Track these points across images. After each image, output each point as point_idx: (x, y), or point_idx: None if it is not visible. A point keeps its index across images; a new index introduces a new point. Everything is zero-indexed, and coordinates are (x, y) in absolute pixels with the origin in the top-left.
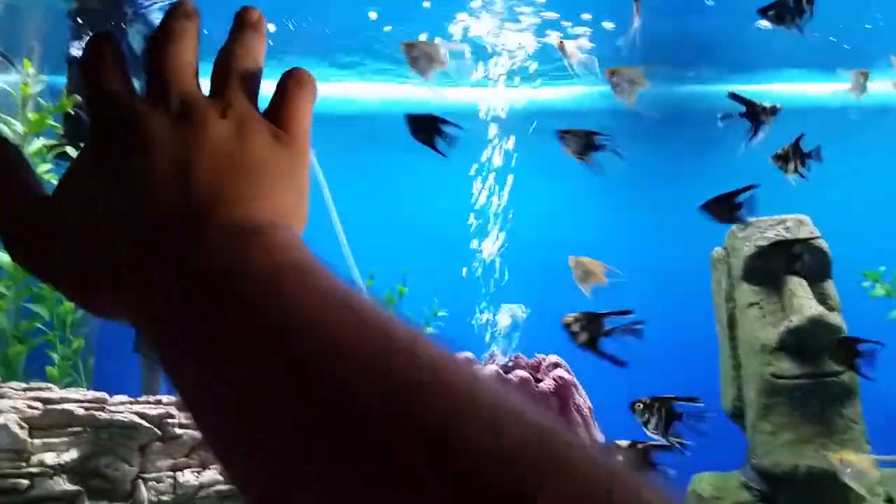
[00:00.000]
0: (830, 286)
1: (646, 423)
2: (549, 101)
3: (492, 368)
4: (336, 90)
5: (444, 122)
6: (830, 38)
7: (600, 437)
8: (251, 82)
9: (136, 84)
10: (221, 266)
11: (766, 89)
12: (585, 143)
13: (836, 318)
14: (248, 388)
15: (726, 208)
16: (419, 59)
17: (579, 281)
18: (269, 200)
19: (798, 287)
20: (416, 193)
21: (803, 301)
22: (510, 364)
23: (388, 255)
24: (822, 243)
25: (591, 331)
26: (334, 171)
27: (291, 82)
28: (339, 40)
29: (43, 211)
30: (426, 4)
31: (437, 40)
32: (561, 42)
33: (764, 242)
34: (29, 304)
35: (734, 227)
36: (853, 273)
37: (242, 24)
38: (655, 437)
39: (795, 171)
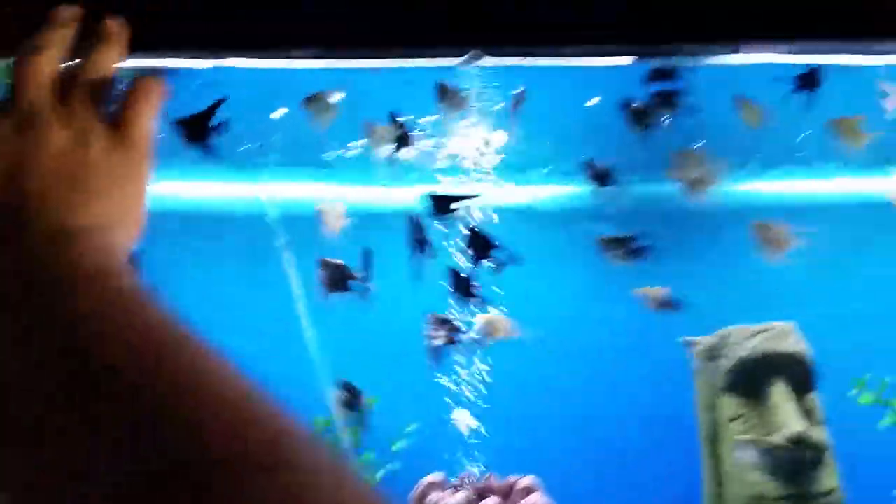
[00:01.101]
0: (815, 398)
1: None
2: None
3: (462, 496)
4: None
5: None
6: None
7: None
8: (99, 92)
9: None
10: (31, 271)
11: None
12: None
13: (819, 434)
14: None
15: None
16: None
17: None
18: (96, 206)
19: (781, 401)
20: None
21: (786, 417)
22: (482, 486)
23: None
24: (807, 354)
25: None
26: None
27: (133, 91)
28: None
29: None
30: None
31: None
32: None
33: (745, 353)
34: None
35: (715, 333)
36: (842, 380)
37: (95, 34)
38: None
39: None
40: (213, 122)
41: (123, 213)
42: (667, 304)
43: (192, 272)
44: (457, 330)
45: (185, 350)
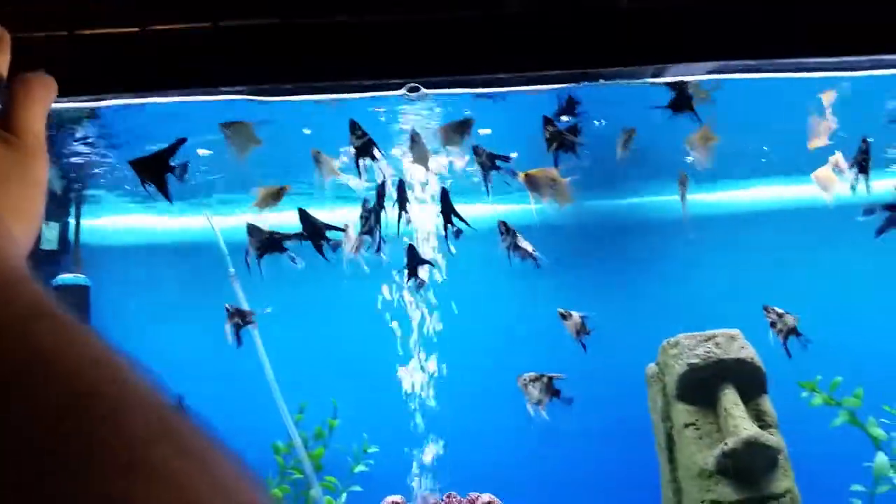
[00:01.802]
0: (766, 402)
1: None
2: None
3: None
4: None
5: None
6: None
7: None
8: None
9: None
10: None
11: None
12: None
13: (772, 438)
14: None
15: None
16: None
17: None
18: None
19: (733, 406)
20: (343, 318)
21: (738, 421)
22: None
23: (318, 386)
24: (756, 359)
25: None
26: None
27: (20, 89)
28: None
29: None
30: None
31: None
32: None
33: (695, 360)
34: None
35: (665, 342)
36: (791, 383)
37: None
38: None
39: None
40: (173, 161)
41: (19, 209)
42: (583, 330)
43: (146, 300)
44: None
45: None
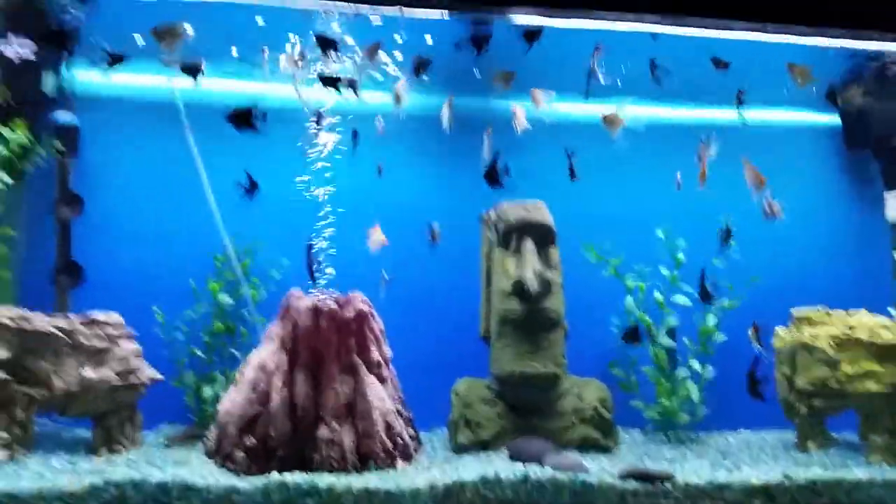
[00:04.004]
0: (554, 252)
1: None
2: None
3: (309, 301)
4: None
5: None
6: None
7: (389, 351)
8: None
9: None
10: None
11: None
12: None
13: (548, 274)
14: None
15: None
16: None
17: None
18: None
19: (528, 252)
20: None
21: (528, 261)
22: (326, 299)
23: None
24: (549, 221)
25: None
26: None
27: None
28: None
29: None
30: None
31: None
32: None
33: (511, 220)
34: None
35: (498, 204)
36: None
37: None
38: None
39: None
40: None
41: None
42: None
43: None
44: None
45: None
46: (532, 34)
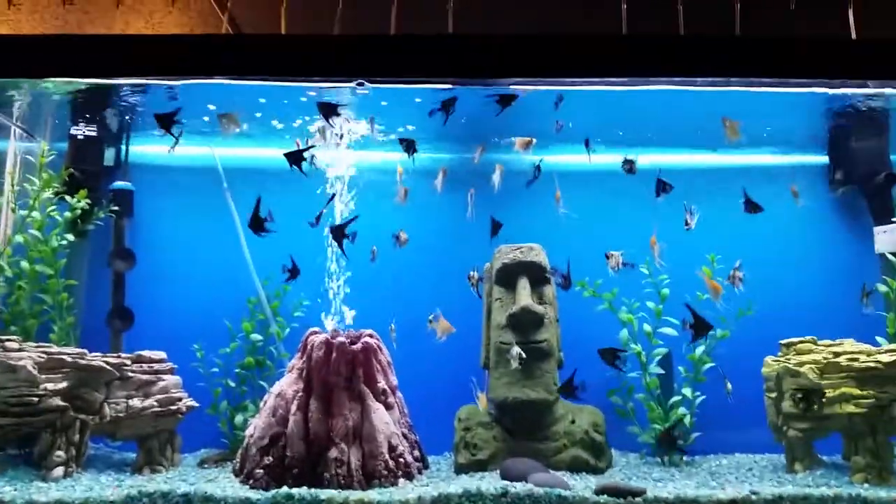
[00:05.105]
0: (548, 289)
1: None
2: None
3: (322, 336)
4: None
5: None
6: None
7: (395, 380)
8: None
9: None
10: None
11: None
12: None
13: (539, 308)
14: None
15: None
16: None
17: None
18: None
19: (522, 289)
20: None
21: (522, 297)
22: (336, 335)
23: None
24: (543, 261)
25: None
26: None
27: None
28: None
29: None
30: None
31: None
32: None
33: (507, 260)
34: (39, 294)
35: (496, 249)
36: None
37: None
38: None
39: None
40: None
41: None
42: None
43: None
44: None
45: None
46: (507, 98)
